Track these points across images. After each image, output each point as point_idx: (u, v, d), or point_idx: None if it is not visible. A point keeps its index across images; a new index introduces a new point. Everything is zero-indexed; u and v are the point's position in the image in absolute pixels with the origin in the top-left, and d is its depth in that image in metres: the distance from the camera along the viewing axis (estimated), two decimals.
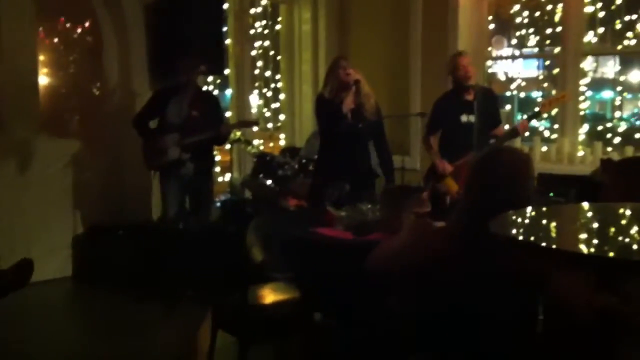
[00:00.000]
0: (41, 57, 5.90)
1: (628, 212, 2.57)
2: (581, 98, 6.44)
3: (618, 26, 6.22)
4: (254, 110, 7.45)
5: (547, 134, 6.75)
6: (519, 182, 2.58)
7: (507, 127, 5.37)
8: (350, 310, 3.06)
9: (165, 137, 5.36)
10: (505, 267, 2.39)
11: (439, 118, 5.32)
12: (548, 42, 6.68)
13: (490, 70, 7.27)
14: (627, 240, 2.19)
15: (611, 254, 2.00)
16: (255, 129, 6.92)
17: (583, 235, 2.29)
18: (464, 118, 5.13)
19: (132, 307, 5.20)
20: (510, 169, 2.60)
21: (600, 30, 6.32)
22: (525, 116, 5.28)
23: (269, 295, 3.69)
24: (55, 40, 6.13)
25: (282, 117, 7.86)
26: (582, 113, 6.49)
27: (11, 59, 5.51)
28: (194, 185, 5.50)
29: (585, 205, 2.88)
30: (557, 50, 6.56)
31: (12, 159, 5.57)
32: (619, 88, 6.52)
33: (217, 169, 7.15)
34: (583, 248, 2.10)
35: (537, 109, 5.24)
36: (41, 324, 4.82)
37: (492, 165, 2.66)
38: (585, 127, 6.48)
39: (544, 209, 2.81)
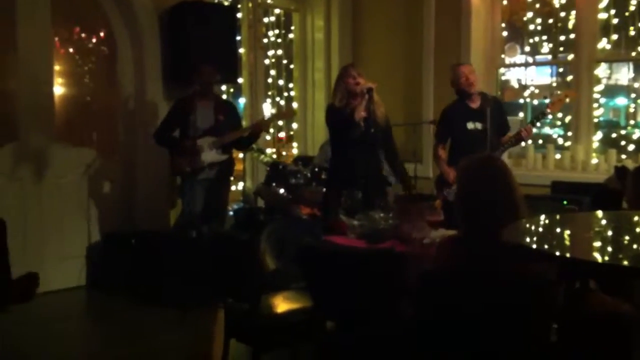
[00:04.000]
0: (56, 67, 5.94)
1: None
2: (595, 105, 6.42)
3: (632, 33, 6.19)
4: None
5: (560, 141, 6.72)
6: (497, 188, 2.59)
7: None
8: (363, 319, 3.05)
9: (199, 141, 5.45)
10: (510, 271, 2.38)
11: (446, 127, 5.34)
12: (561, 49, 6.66)
13: (503, 78, 7.25)
14: None
15: (625, 263, 1.98)
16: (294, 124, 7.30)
17: (597, 244, 2.28)
18: (470, 125, 5.14)
19: (145, 315, 5.21)
20: (485, 175, 2.66)
21: (614, 36, 6.30)
22: (531, 120, 5.24)
23: (282, 304, 3.68)
24: (71, 49, 6.18)
25: (294, 125, 7.88)
26: (595, 120, 6.46)
27: (27, 68, 5.56)
28: (212, 191, 5.57)
29: (599, 213, 2.87)
30: (570, 57, 6.54)
31: (27, 167, 5.61)
32: (633, 95, 6.48)
33: (230, 178, 7.16)
34: (597, 256, 2.09)
35: (543, 112, 5.24)
36: (56, 332, 4.83)
37: (470, 173, 2.73)
38: (599, 135, 6.45)
39: (558, 216, 2.80)
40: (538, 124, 5.36)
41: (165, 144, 5.65)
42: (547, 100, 6.96)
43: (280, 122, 7.63)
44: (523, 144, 6.18)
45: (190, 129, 5.51)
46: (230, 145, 5.66)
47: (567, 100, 5.33)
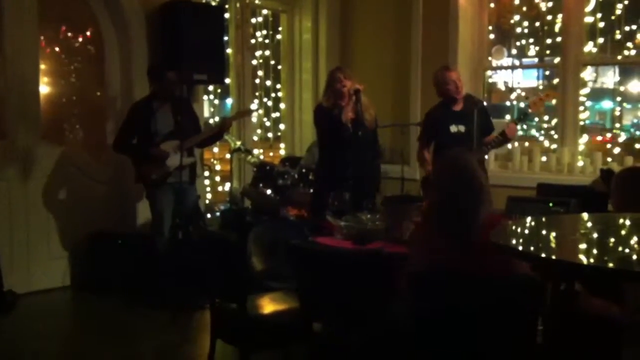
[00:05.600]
0: (42, 66, 5.90)
1: (628, 223, 2.58)
2: (581, 108, 6.45)
3: (618, 36, 6.23)
4: (254, 119, 7.44)
5: (547, 144, 6.75)
6: (461, 185, 2.61)
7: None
8: (350, 320, 3.06)
9: (162, 146, 5.35)
10: (495, 270, 2.40)
11: (429, 130, 5.40)
12: (548, 52, 6.70)
13: (490, 80, 7.28)
14: (626, 250, 2.19)
15: (611, 265, 2.00)
16: (254, 118, 7.21)
17: (583, 246, 2.29)
18: (453, 128, 5.21)
19: (131, 316, 5.19)
20: (450, 172, 2.69)
21: (600, 40, 6.34)
22: (514, 120, 5.30)
23: (269, 305, 3.68)
24: (57, 48, 6.14)
25: (282, 126, 7.87)
26: (581, 123, 6.50)
27: (13, 67, 5.52)
28: (185, 193, 5.50)
29: (585, 215, 2.88)
30: (557, 60, 6.58)
31: (14, 166, 5.57)
32: (619, 98, 6.53)
33: (217, 179, 7.15)
34: (583, 259, 2.10)
35: (525, 112, 5.31)
36: (40, 333, 4.80)
37: (438, 171, 2.77)
38: (585, 137, 6.49)
39: (543, 218, 2.82)
40: (524, 125, 5.42)
41: (128, 152, 5.52)
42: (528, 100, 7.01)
43: (268, 123, 7.63)
44: (509, 145, 6.22)
45: (150, 135, 5.36)
46: (193, 147, 5.55)
47: (551, 100, 5.39)
